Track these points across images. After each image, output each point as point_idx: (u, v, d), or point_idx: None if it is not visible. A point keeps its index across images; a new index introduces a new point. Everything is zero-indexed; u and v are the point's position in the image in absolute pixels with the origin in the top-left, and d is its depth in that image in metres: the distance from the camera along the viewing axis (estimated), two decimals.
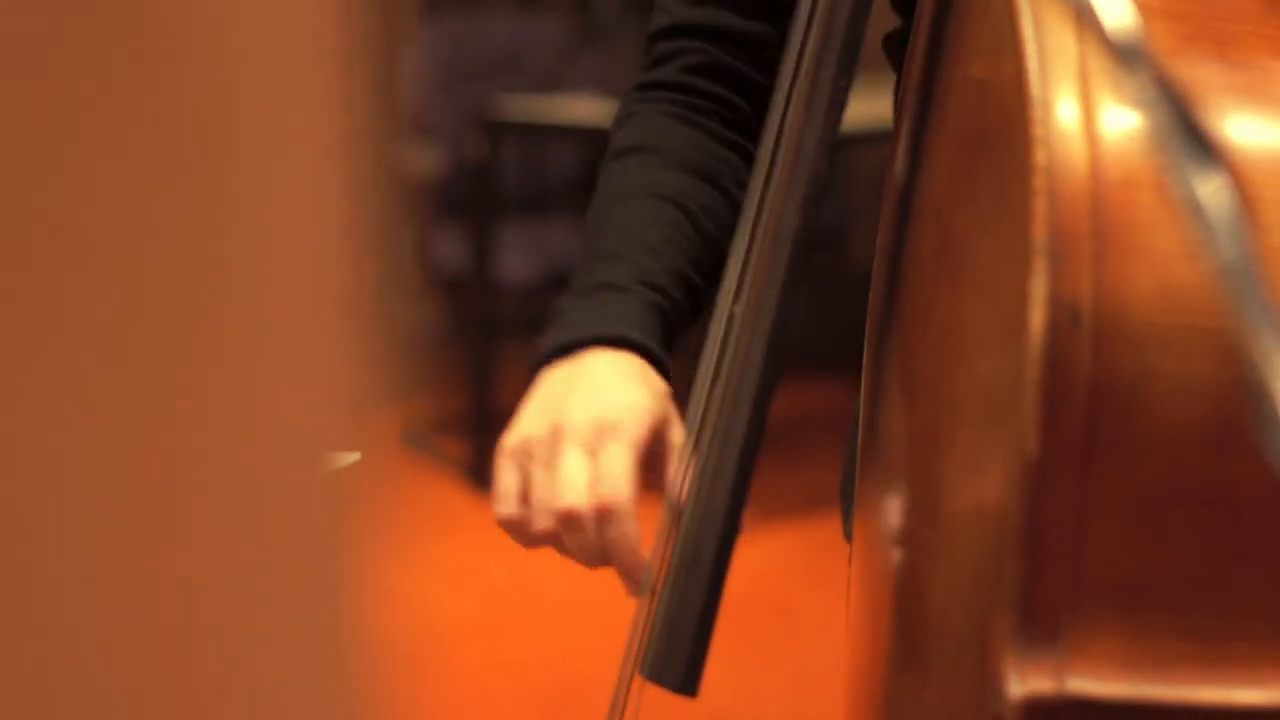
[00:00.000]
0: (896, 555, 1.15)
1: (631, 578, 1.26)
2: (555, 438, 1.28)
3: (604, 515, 1.25)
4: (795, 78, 1.20)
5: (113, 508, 0.35)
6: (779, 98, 1.22)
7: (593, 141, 5.72)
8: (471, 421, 5.18)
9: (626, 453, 1.26)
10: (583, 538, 1.25)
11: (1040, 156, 0.96)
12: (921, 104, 1.17)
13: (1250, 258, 0.72)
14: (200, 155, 0.36)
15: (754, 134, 1.32)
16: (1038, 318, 0.94)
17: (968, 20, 1.11)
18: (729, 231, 1.32)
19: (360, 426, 0.39)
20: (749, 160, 1.37)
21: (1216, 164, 0.73)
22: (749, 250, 1.23)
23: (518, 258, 5.41)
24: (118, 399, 0.35)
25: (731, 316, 1.24)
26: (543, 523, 1.26)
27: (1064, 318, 0.94)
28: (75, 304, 0.35)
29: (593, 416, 1.27)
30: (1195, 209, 0.73)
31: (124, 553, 0.36)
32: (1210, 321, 0.95)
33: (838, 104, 1.18)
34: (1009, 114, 1.00)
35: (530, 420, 1.30)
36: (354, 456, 0.38)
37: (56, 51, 0.35)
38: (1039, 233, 0.95)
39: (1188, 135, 0.74)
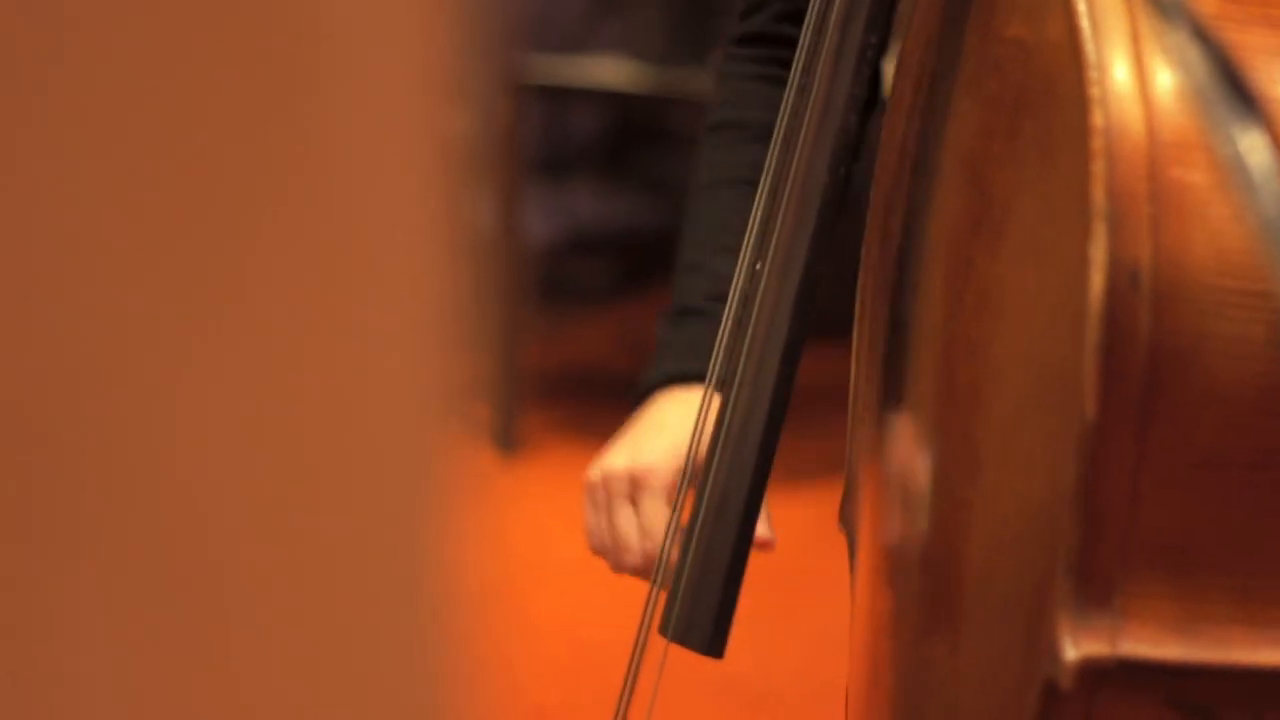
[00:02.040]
0: (925, 520, 1.15)
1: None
2: (634, 483, 1.33)
3: (647, 565, 1.31)
4: (823, 29, 1.19)
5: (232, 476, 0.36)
6: (804, 50, 1.21)
7: (616, 104, 5.71)
8: (496, 385, 5.19)
9: (657, 507, 1.31)
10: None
11: (1098, 118, 0.95)
12: (940, 60, 1.16)
13: None
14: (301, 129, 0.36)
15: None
16: (1097, 281, 0.94)
17: None
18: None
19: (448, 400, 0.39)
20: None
21: (1258, 119, 0.73)
22: (775, 206, 1.22)
23: (542, 220, 5.41)
24: (237, 385, 0.36)
25: (756, 273, 1.23)
26: (630, 559, 1.33)
27: (1123, 281, 0.94)
28: (200, 299, 0.36)
29: (628, 466, 1.32)
30: (1238, 165, 0.73)
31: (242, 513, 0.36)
32: (1263, 285, 0.95)
33: (868, 59, 1.17)
34: (1056, 74, 1.00)
35: (614, 457, 1.35)
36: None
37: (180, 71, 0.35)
38: (1098, 195, 0.95)
39: (1230, 91, 0.73)
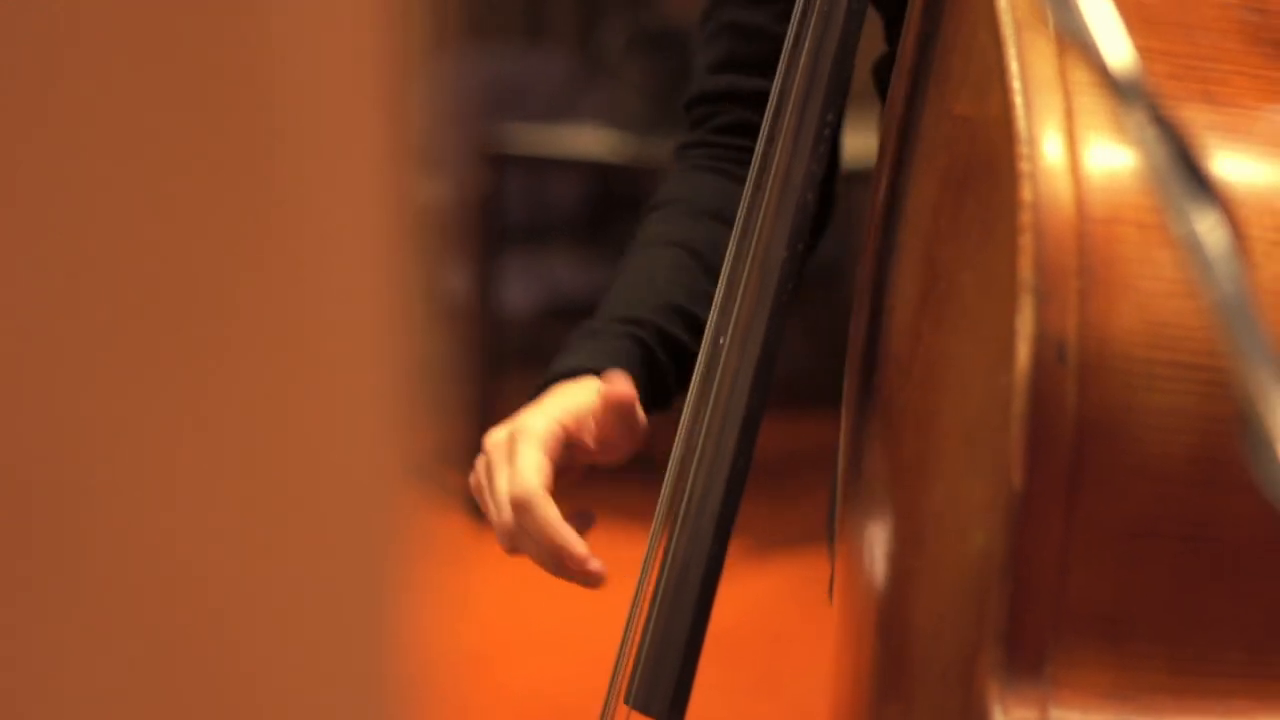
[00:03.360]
0: (881, 587, 1.16)
1: (554, 560, 1.30)
2: (487, 454, 1.36)
3: (519, 507, 1.31)
4: (782, 110, 1.22)
5: (157, 522, 0.36)
6: (766, 129, 1.24)
7: (596, 174, 5.73)
8: (472, 453, 5.18)
9: (530, 452, 1.31)
10: (522, 538, 1.32)
11: (1026, 192, 0.97)
12: (904, 138, 1.18)
13: (1246, 294, 0.73)
14: (252, 175, 0.37)
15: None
16: (1024, 354, 0.95)
17: (953, 55, 1.12)
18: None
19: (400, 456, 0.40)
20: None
21: (1214, 201, 0.74)
22: (736, 281, 1.24)
23: (520, 288, 5.42)
24: (173, 417, 0.36)
25: (718, 347, 1.25)
26: (502, 517, 1.34)
27: (1050, 354, 0.95)
28: (144, 327, 0.36)
29: (509, 430, 1.34)
30: (1193, 245, 0.74)
31: (163, 563, 0.37)
32: (1193, 357, 0.96)
33: (824, 138, 1.20)
34: (995, 150, 1.01)
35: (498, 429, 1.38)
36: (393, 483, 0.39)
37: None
38: (1025, 269, 0.96)
39: (1185, 173, 0.75)
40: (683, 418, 1.29)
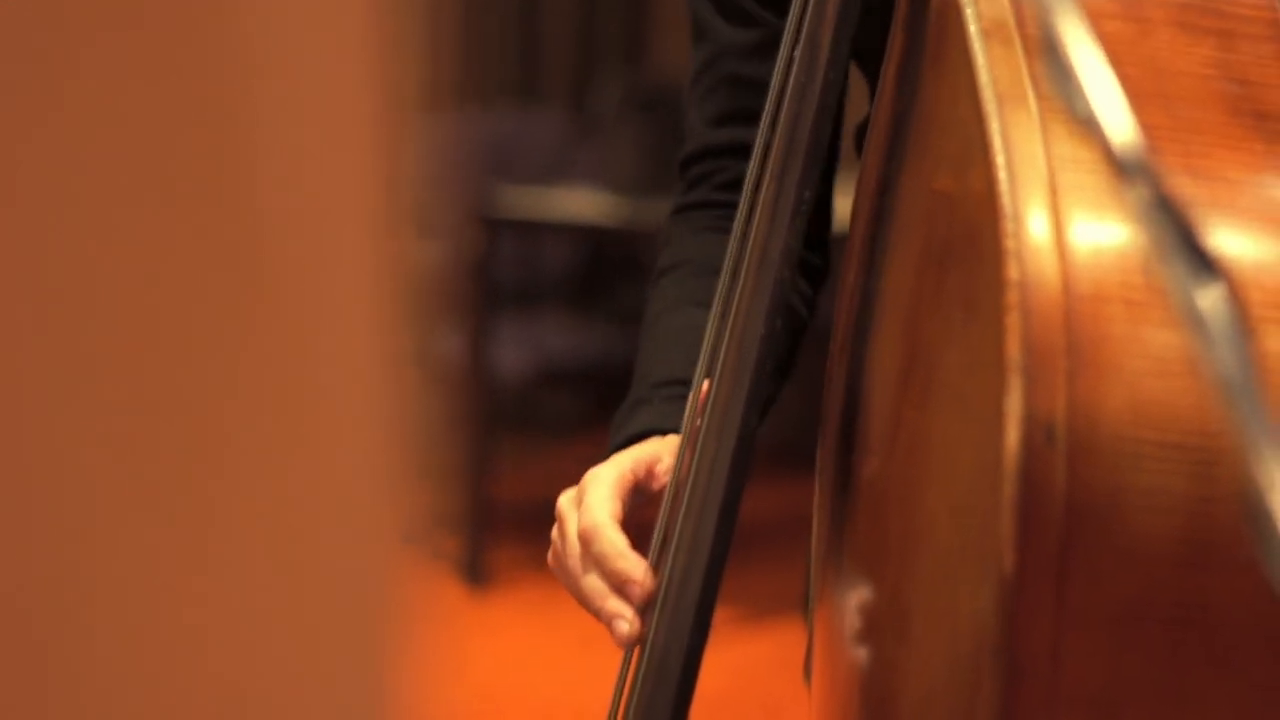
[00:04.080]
0: (865, 667, 1.15)
1: (618, 587, 1.29)
2: (558, 513, 1.36)
3: (585, 538, 1.30)
4: (760, 185, 1.20)
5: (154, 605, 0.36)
6: (744, 204, 1.22)
7: (588, 237, 5.73)
8: (466, 517, 5.16)
9: (598, 490, 1.31)
10: (590, 577, 1.31)
11: (1013, 271, 0.96)
12: (879, 212, 1.17)
13: (1250, 370, 0.72)
14: (243, 232, 0.37)
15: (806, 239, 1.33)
16: (1013, 435, 0.94)
17: (931, 128, 1.11)
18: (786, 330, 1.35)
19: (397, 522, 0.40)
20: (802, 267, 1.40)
21: (1216, 276, 0.73)
22: (714, 358, 1.23)
23: (512, 352, 5.41)
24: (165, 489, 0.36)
25: (696, 428, 1.23)
26: (567, 580, 1.33)
27: (1039, 435, 0.94)
28: (135, 403, 0.36)
29: (578, 486, 1.34)
30: (1194, 321, 0.73)
31: (166, 650, 0.36)
32: (1181, 437, 0.95)
33: (802, 212, 1.18)
34: (978, 227, 1.00)
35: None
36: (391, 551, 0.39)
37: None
38: (1013, 349, 0.95)
39: (1187, 248, 0.74)
40: (664, 500, 1.28)
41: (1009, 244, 0.96)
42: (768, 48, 1.40)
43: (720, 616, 1.26)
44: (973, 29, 1.03)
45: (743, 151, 1.46)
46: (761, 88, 1.41)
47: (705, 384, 1.25)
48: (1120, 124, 0.75)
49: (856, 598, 1.18)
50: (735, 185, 1.47)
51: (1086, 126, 0.76)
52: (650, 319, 1.47)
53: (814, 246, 1.50)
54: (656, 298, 1.48)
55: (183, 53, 0.36)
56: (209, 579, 0.37)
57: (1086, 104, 0.75)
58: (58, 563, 0.35)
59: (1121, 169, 0.75)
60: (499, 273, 5.44)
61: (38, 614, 0.35)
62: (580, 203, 5.19)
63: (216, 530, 0.37)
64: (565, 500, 1.34)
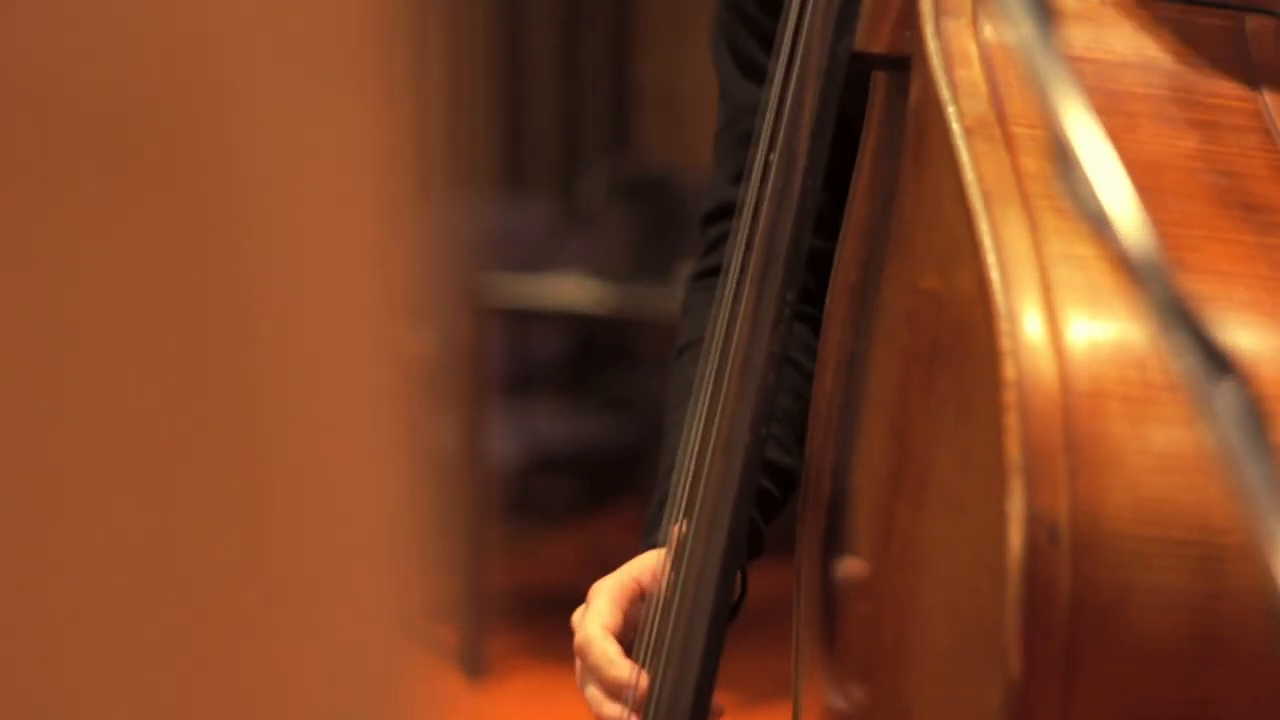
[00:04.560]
0: None
1: (614, 693, 1.28)
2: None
3: (580, 652, 1.29)
4: (740, 291, 1.19)
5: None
6: (725, 311, 1.21)
7: (578, 325, 5.73)
8: (461, 606, 5.14)
9: (597, 602, 1.30)
10: (590, 687, 1.30)
11: (1010, 370, 0.95)
12: (861, 311, 1.16)
13: (1269, 464, 0.71)
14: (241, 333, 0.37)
15: (815, 296, 1.31)
16: (1016, 537, 0.93)
17: (914, 228, 1.10)
18: (799, 394, 1.32)
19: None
20: (813, 323, 1.36)
21: (1231, 372, 0.73)
22: (700, 466, 1.21)
23: (504, 440, 5.40)
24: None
25: (683, 535, 1.22)
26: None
27: (1042, 536, 0.93)
28: (161, 530, 0.36)
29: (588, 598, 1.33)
30: (1210, 416, 0.72)
31: None
32: (1184, 533, 0.95)
33: (785, 317, 1.16)
34: (969, 326, 0.99)
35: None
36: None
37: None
38: (1013, 449, 0.94)
39: (1201, 344, 0.73)
40: (648, 611, 1.26)
41: (1004, 343, 0.95)
42: None
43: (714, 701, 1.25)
44: (955, 126, 1.03)
45: None
46: None
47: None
48: (1132, 221, 0.75)
49: (852, 697, 1.16)
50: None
51: (1096, 224, 0.75)
52: (669, 404, 1.45)
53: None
54: (675, 381, 1.45)
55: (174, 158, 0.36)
56: (220, 671, 0.37)
57: (1097, 201, 0.75)
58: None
59: (1134, 267, 0.74)
60: (490, 361, 5.44)
61: None
62: (569, 291, 5.20)
63: (220, 619, 0.37)
64: (576, 615, 1.33)
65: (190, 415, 0.36)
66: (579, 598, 1.35)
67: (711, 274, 1.45)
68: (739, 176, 1.43)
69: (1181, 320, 0.73)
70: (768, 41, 1.35)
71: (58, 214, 0.35)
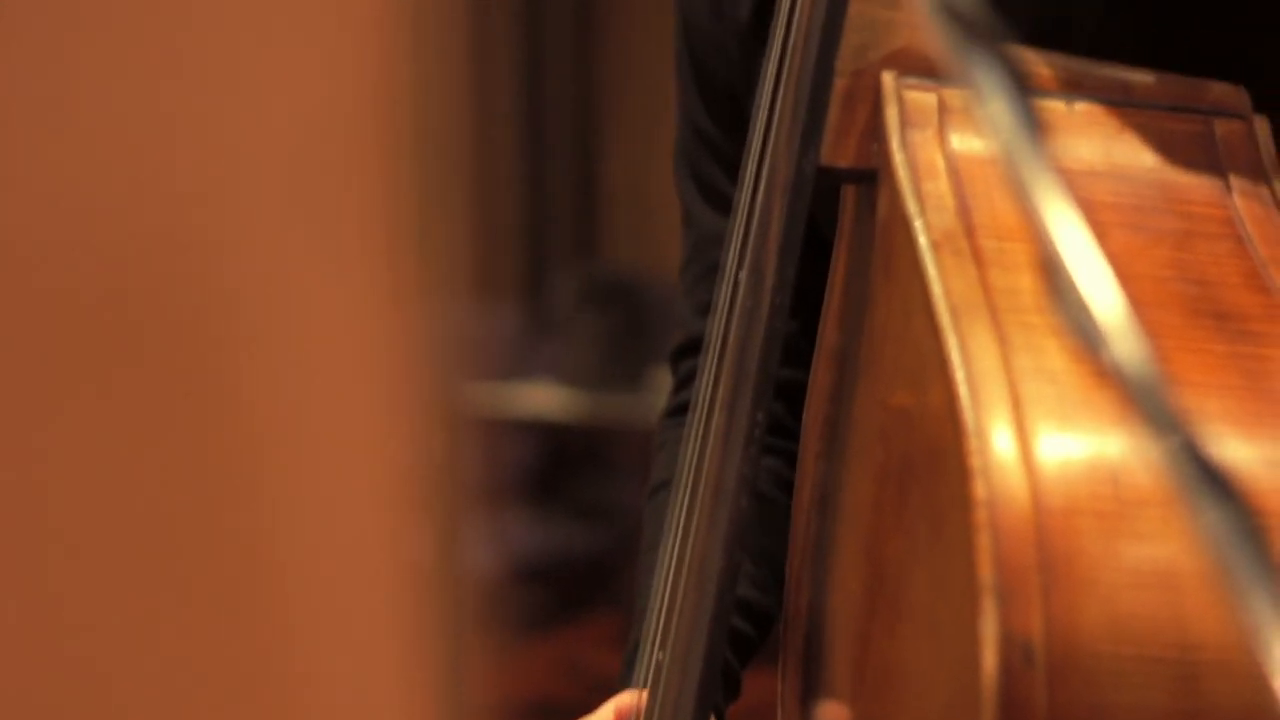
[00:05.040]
0: None
1: None
2: None
3: None
4: (710, 412, 1.17)
5: None
6: (693, 431, 1.19)
7: (549, 433, 5.72)
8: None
9: None
10: None
11: (980, 489, 0.94)
12: (832, 429, 1.15)
13: (1272, 579, 0.70)
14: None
15: (789, 430, 1.29)
16: (990, 659, 0.92)
17: (884, 343, 1.09)
18: (776, 531, 1.30)
19: None
20: (787, 457, 1.34)
21: (1231, 492, 0.72)
22: (673, 592, 1.19)
23: (476, 551, 5.37)
24: None
25: (659, 664, 1.20)
26: None
27: (1016, 658, 0.92)
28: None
29: None
30: (1212, 535, 0.71)
31: None
32: (1161, 650, 0.93)
33: (755, 439, 1.14)
34: (939, 443, 0.98)
35: None
36: None
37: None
38: (984, 570, 0.93)
39: (1198, 464, 0.72)
40: None
41: (974, 461, 0.94)
42: None
43: None
44: (922, 240, 1.02)
45: None
46: None
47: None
48: (1127, 336, 0.74)
49: None
50: None
51: (1087, 338, 0.74)
52: (645, 546, 1.43)
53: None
54: (650, 519, 1.43)
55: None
56: None
57: (1089, 315, 0.74)
58: None
59: (1135, 388, 0.73)
60: (463, 470, 5.42)
61: None
62: (540, 398, 5.19)
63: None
64: None
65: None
66: (554, 707, 1.33)
67: (684, 410, 1.43)
68: (708, 308, 1.40)
69: (1178, 437, 0.72)
70: (733, 169, 1.34)
71: (60, 405, 0.35)
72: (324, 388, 0.38)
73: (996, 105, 0.73)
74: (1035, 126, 0.74)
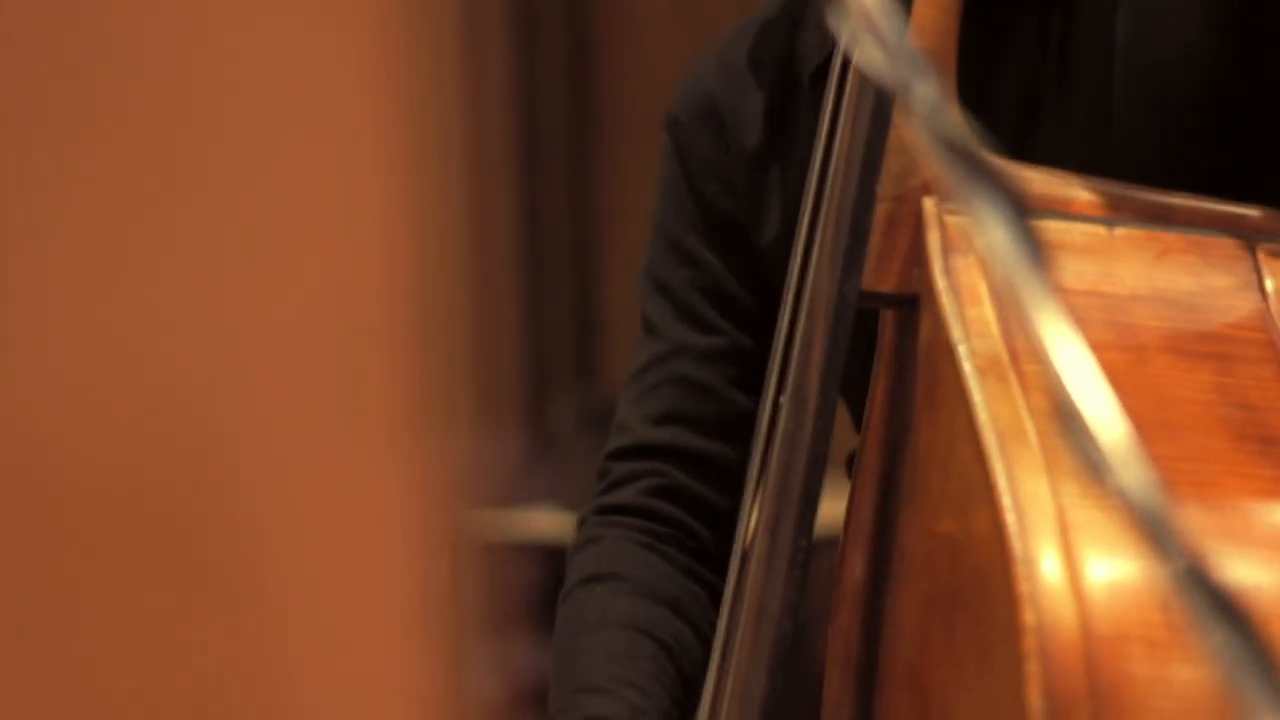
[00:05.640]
0: None
1: None
2: None
3: None
4: (753, 542, 1.16)
5: None
6: (737, 559, 1.18)
7: (551, 557, 5.70)
8: None
9: None
10: None
11: (1029, 616, 0.93)
12: (876, 555, 1.14)
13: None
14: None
15: (715, 563, 1.28)
16: None
17: (929, 470, 1.08)
18: (700, 667, 1.28)
19: None
20: (710, 590, 1.33)
21: (1240, 615, 0.71)
22: (714, 717, 1.17)
23: (479, 677, 5.34)
24: None
25: None
26: None
27: None
28: None
29: None
30: (1223, 658, 0.70)
31: None
32: None
33: (799, 563, 1.14)
34: (987, 570, 0.98)
35: None
36: None
37: None
38: (1034, 698, 0.92)
39: (1208, 588, 0.71)
40: None
41: (1023, 588, 0.94)
42: (724, 356, 1.35)
43: None
44: (967, 367, 1.01)
45: (680, 456, 1.37)
46: (711, 394, 1.35)
47: None
48: (1133, 467, 0.73)
49: None
50: (664, 493, 1.38)
51: (1093, 471, 0.73)
52: (572, 631, 1.37)
53: None
54: (588, 600, 1.37)
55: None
56: None
57: (1096, 448, 0.73)
58: None
59: (1144, 519, 0.73)
60: (468, 596, 5.40)
61: None
62: (542, 523, 5.17)
63: None
64: None
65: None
66: None
67: (618, 512, 1.39)
68: (662, 418, 1.37)
69: (1184, 561, 0.71)
70: (716, 292, 1.33)
71: (71, 572, 0.35)
72: (332, 522, 0.38)
73: (996, 234, 0.73)
74: (1037, 256, 0.74)
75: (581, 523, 1.45)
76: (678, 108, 1.36)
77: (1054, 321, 0.72)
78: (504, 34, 5.86)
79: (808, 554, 1.14)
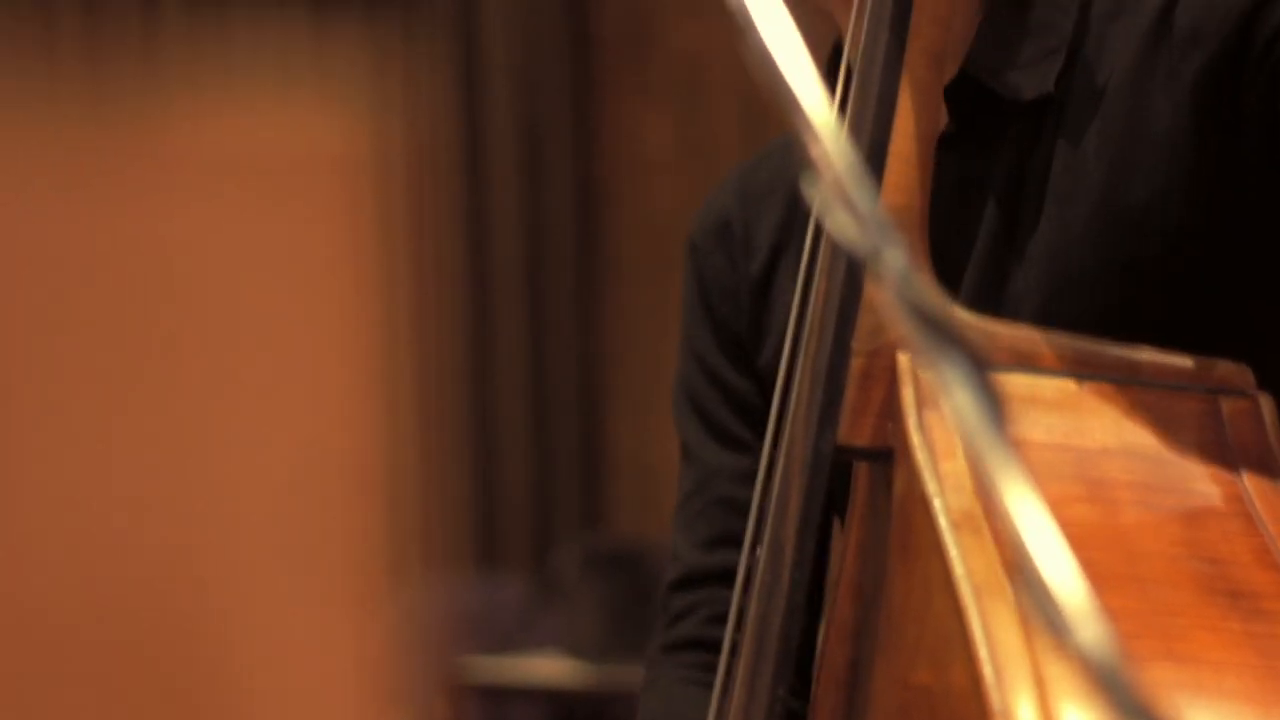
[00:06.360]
0: None
1: None
2: None
3: None
4: (729, 684, 1.16)
5: None
6: (714, 707, 1.18)
7: (557, 702, 5.67)
8: None
9: None
10: None
11: None
12: (850, 706, 1.14)
13: None
14: None
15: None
16: None
17: (905, 622, 1.09)
18: None
19: None
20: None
21: None
22: None
23: None
24: None
25: None
26: None
27: None
28: None
29: None
30: None
31: None
32: None
33: (776, 713, 1.14)
34: None
35: None
36: None
37: None
38: None
39: None
40: None
41: None
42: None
43: None
44: (942, 521, 1.02)
45: (734, 579, 1.38)
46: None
47: None
48: (1089, 625, 0.74)
49: None
50: (725, 620, 1.33)
51: (1051, 625, 0.74)
52: None
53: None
54: None
55: None
56: None
57: (1052, 605, 0.74)
58: None
59: (1097, 679, 0.74)
60: None
61: None
62: (546, 668, 5.16)
63: None
64: None
65: None
66: None
67: (681, 647, 1.40)
68: (712, 542, 1.38)
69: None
70: (744, 409, 1.34)
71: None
72: (323, 674, 0.39)
73: (959, 395, 0.74)
74: (998, 416, 0.75)
75: (648, 663, 1.44)
76: (696, 229, 1.38)
77: (1014, 481, 0.73)
78: (513, 177, 5.91)
79: (785, 704, 1.15)
